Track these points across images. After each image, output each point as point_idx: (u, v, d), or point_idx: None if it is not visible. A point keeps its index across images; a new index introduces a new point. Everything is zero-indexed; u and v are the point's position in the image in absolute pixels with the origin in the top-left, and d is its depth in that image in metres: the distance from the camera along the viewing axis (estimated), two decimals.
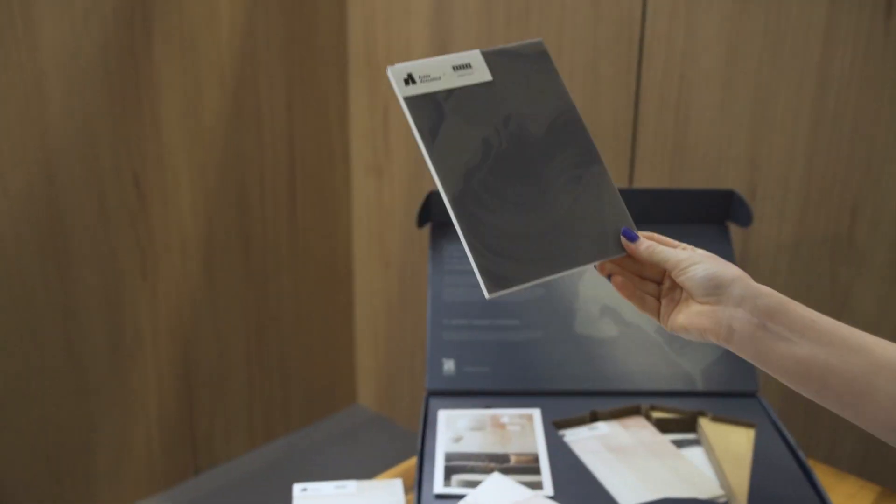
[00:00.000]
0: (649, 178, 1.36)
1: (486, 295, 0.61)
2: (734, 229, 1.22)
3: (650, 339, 0.99)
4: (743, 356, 0.62)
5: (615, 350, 0.98)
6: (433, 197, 1.05)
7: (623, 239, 0.66)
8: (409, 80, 0.65)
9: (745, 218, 1.04)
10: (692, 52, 1.26)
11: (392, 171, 1.80)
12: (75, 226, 1.44)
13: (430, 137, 0.64)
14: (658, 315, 0.66)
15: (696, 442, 0.92)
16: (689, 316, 0.63)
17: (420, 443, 0.88)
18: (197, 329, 1.66)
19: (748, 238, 1.25)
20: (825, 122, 1.15)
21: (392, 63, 1.79)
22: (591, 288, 1.02)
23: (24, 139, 1.36)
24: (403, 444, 1.83)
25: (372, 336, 1.95)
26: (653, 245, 0.65)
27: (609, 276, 0.67)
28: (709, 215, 1.08)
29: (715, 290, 0.61)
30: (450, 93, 0.66)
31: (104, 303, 1.51)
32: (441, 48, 1.61)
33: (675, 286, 0.66)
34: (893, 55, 1.07)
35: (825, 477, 0.92)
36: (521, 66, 0.69)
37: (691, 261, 0.62)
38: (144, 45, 1.47)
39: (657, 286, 0.67)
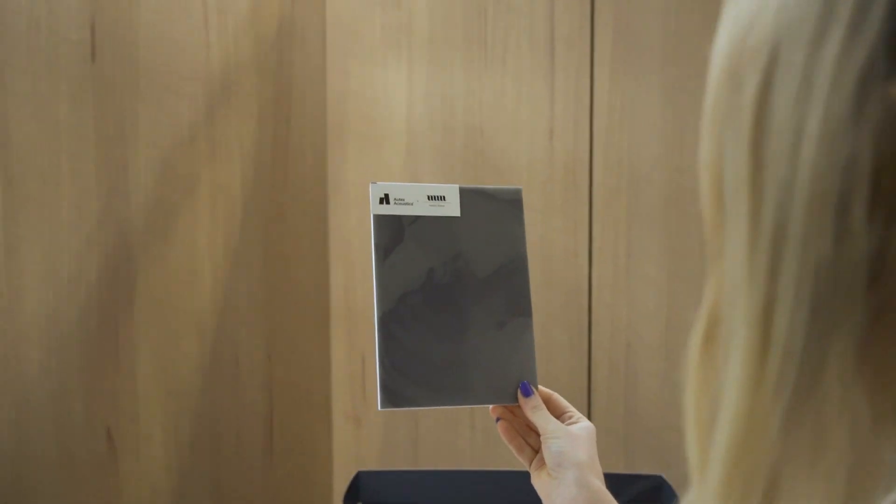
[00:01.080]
0: (604, 447, 1.35)
1: (379, 407, 0.66)
2: None
3: None
4: None
5: None
6: (361, 477, 1.06)
7: (519, 391, 0.71)
8: (385, 199, 0.71)
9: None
10: (635, 323, 1.30)
11: (370, 419, 1.81)
12: (41, 481, 1.47)
13: (382, 255, 0.70)
14: (530, 464, 0.73)
15: None
16: (540, 479, 0.70)
17: None
18: None
19: None
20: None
21: (370, 317, 1.85)
22: None
23: None
24: None
25: None
26: (538, 407, 0.71)
27: (497, 419, 0.73)
28: (640, 496, 1.06)
29: (557, 468, 0.68)
30: (416, 219, 0.71)
31: None
32: None
33: None
34: None
35: None
36: (491, 209, 0.74)
37: (554, 434, 0.69)
38: (125, 306, 1.55)
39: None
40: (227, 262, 1.69)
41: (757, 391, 0.29)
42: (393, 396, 0.67)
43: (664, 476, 1.08)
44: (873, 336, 0.28)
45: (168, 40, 1.57)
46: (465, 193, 0.73)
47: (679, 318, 1.24)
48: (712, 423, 0.31)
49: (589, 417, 1.38)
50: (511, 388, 0.71)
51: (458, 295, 0.71)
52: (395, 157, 1.65)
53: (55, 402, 1.47)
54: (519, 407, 0.73)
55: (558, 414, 0.72)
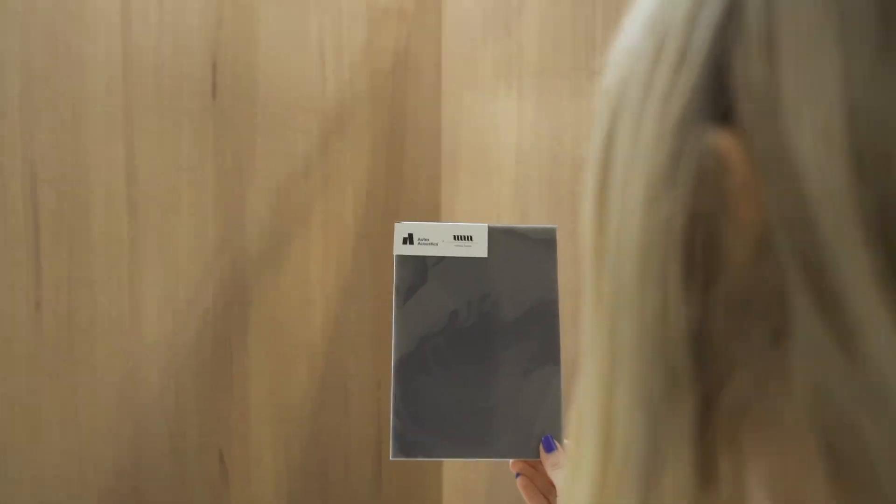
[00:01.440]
0: None
1: (390, 457, 0.63)
2: None
3: None
4: None
5: None
6: None
7: (541, 445, 0.66)
8: (408, 239, 0.68)
9: None
10: None
11: None
12: (156, 499, 1.53)
13: (403, 298, 0.67)
14: None
15: None
16: None
17: None
18: None
19: None
20: None
21: None
22: None
23: (118, 419, 1.49)
24: None
25: None
26: (559, 464, 0.65)
27: (517, 474, 0.68)
28: None
29: None
30: (440, 259, 0.68)
31: None
32: None
33: None
34: None
35: None
36: (521, 248, 0.70)
37: None
38: (239, 332, 1.60)
39: None
40: (339, 292, 1.72)
41: (601, 494, 0.25)
42: (405, 446, 0.64)
43: None
44: (711, 425, 0.23)
45: (285, 76, 1.62)
46: (493, 233, 0.70)
47: None
48: None
49: None
50: (533, 441, 0.66)
51: (482, 339, 0.67)
52: (505, 188, 1.63)
53: (171, 423, 1.54)
54: (541, 463, 0.67)
55: None
